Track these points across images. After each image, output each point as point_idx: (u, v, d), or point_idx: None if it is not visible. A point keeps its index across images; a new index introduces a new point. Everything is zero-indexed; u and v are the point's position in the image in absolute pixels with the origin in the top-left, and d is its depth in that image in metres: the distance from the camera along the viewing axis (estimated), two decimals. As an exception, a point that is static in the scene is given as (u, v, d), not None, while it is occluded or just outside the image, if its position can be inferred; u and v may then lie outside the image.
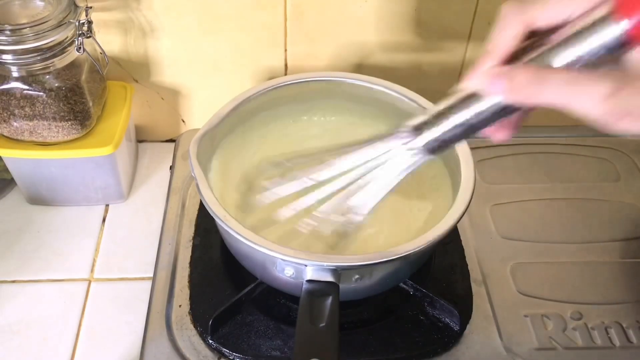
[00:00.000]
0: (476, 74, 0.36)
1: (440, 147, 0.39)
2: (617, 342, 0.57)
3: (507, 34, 0.35)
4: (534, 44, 0.35)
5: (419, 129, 0.39)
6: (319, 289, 0.47)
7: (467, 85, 0.37)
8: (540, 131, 0.77)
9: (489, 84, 0.35)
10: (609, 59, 0.32)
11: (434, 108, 0.39)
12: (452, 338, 0.56)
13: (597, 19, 0.31)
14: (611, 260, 0.64)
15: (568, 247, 0.65)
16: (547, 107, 0.34)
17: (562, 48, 0.33)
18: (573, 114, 0.33)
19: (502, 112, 0.36)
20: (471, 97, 0.36)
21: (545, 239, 0.66)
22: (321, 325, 0.44)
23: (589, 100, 0.32)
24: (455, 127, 0.37)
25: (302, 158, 0.48)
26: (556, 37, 0.33)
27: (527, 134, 0.76)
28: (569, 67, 0.33)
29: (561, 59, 0.33)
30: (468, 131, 0.37)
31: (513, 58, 0.35)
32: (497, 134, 0.38)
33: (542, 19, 0.34)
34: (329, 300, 0.46)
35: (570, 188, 0.71)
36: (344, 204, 0.46)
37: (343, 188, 0.45)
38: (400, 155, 0.41)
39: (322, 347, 0.43)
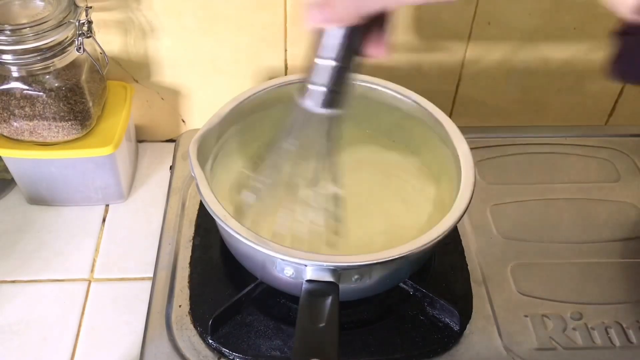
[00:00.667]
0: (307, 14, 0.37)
1: (335, 96, 0.41)
2: (617, 342, 0.57)
3: None
4: None
5: (304, 91, 0.41)
6: (318, 289, 0.47)
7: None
8: (540, 131, 0.77)
9: (310, 17, 0.36)
10: None
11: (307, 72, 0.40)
12: (452, 338, 0.56)
13: None
14: (611, 260, 0.64)
15: (568, 247, 0.65)
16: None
17: None
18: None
19: (352, 36, 0.37)
20: (318, 39, 0.38)
21: (545, 239, 0.66)
22: (321, 325, 0.44)
23: None
24: (327, 71, 0.39)
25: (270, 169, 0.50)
26: None
27: (527, 134, 0.76)
28: None
29: None
30: (340, 69, 0.39)
31: None
32: (373, 51, 0.39)
33: None
34: (329, 300, 0.46)
35: (570, 188, 0.71)
36: (315, 186, 0.47)
37: (312, 182, 0.47)
38: (312, 123, 0.42)
39: (322, 347, 0.43)
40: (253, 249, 0.47)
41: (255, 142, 0.62)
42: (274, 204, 0.51)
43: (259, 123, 0.62)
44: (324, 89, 0.40)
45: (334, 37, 0.37)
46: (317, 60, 0.39)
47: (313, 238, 0.51)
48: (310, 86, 0.40)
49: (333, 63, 0.39)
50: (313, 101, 0.41)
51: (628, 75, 0.41)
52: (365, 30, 0.37)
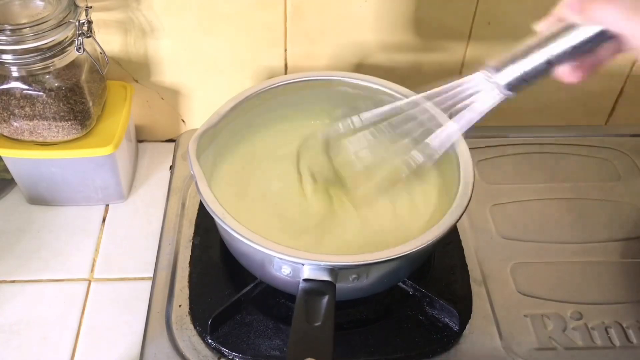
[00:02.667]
0: (559, 6, 0.38)
1: (521, 84, 0.42)
2: (617, 342, 0.57)
3: None
4: None
5: (501, 67, 0.42)
6: (315, 288, 0.47)
7: (547, 18, 0.39)
8: (540, 131, 0.77)
9: (567, 4, 0.37)
10: None
11: (515, 48, 0.42)
12: (451, 338, 0.56)
13: None
14: (611, 260, 0.64)
15: (568, 247, 0.65)
16: (613, 44, 0.36)
17: None
18: (628, 45, 0.35)
19: (579, 47, 0.38)
20: (548, 36, 0.39)
21: (545, 239, 0.66)
22: (316, 324, 0.44)
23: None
24: (536, 64, 0.40)
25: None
26: None
27: (527, 134, 0.76)
28: None
29: None
30: (547, 68, 0.40)
31: None
32: (571, 74, 0.40)
33: None
34: (325, 299, 0.46)
35: (570, 188, 0.71)
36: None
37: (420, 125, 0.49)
38: (483, 92, 0.44)
39: (317, 346, 0.43)
40: (251, 248, 0.47)
41: (255, 141, 0.62)
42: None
43: (259, 122, 0.62)
44: (522, 75, 0.41)
45: (570, 39, 0.38)
46: (539, 51, 0.40)
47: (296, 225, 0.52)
48: (514, 65, 0.41)
49: (546, 59, 0.40)
50: (504, 78, 0.42)
51: None
52: (593, 49, 0.38)
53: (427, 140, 0.50)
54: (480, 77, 0.43)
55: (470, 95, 0.45)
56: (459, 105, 0.46)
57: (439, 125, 0.50)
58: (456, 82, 0.46)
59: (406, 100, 0.52)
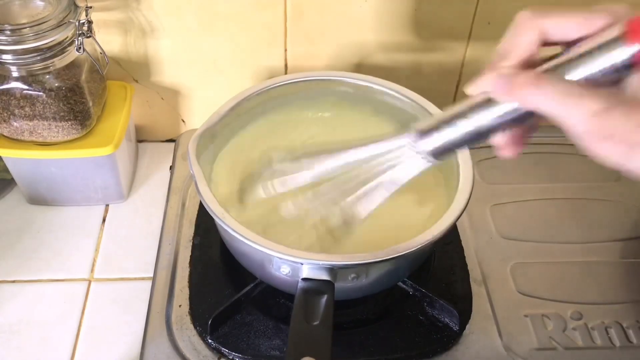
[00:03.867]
0: (486, 75, 0.36)
1: (446, 152, 0.40)
2: (617, 342, 0.57)
3: (521, 39, 0.35)
4: (546, 59, 0.35)
5: (426, 133, 0.39)
6: (314, 287, 0.47)
7: (475, 85, 0.37)
8: (540, 131, 0.76)
9: (494, 83, 0.35)
10: (613, 78, 0.33)
11: (442, 113, 0.39)
12: (451, 338, 0.56)
13: (609, 40, 0.32)
14: (611, 260, 0.64)
15: (568, 247, 0.65)
16: (541, 117, 0.34)
17: (571, 64, 0.33)
18: (561, 126, 0.34)
19: (508, 120, 0.36)
20: (478, 104, 0.37)
21: (545, 239, 0.66)
22: (315, 323, 0.44)
23: (578, 114, 0.32)
24: (462, 133, 0.38)
25: (305, 152, 0.49)
26: (566, 54, 0.34)
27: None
28: (574, 82, 0.33)
29: (570, 74, 0.33)
30: (475, 138, 0.38)
31: (525, 67, 0.35)
32: (504, 150, 0.39)
33: (555, 31, 0.35)
34: (324, 298, 0.46)
35: (570, 188, 0.71)
36: (345, 200, 0.46)
37: (345, 183, 0.46)
38: (406, 157, 0.41)
39: (315, 345, 0.43)
40: (250, 247, 0.47)
41: (254, 140, 0.62)
42: (288, 200, 0.50)
43: (259, 121, 0.62)
44: (446, 143, 0.39)
45: (498, 112, 0.36)
46: (460, 119, 0.38)
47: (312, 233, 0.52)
48: (437, 133, 0.39)
49: (473, 130, 0.37)
50: (427, 145, 0.40)
51: None
52: (518, 123, 0.37)
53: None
54: (406, 142, 0.41)
55: (395, 160, 0.42)
56: (383, 169, 0.43)
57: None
58: (382, 145, 0.43)
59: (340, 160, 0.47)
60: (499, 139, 0.38)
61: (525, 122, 0.37)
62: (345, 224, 0.48)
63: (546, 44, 0.35)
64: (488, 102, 0.36)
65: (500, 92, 0.35)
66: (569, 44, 0.35)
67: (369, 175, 0.44)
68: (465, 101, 0.38)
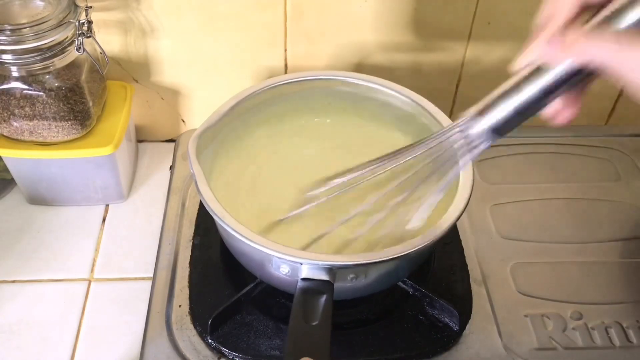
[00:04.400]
0: (534, 43, 0.36)
1: (506, 127, 0.39)
2: (617, 342, 0.57)
3: (562, 3, 0.35)
4: (589, 18, 0.35)
5: (482, 112, 0.40)
6: (313, 287, 0.47)
7: (523, 56, 0.37)
8: (540, 131, 0.77)
9: (545, 47, 0.35)
10: None
11: (495, 91, 0.39)
12: (451, 338, 0.56)
13: None
14: (611, 260, 0.64)
15: (568, 247, 0.65)
16: (593, 75, 0.34)
17: (617, 13, 0.33)
18: (618, 77, 0.32)
19: (562, 84, 0.36)
20: (528, 75, 0.37)
21: (545, 239, 0.66)
22: (314, 323, 0.44)
23: (634, 60, 0.32)
24: (518, 105, 0.38)
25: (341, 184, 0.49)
26: (609, 7, 0.33)
27: (527, 134, 0.76)
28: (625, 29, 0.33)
29: (618, 24, 0.33)
30: (530, 108, 0.38)
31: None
32: (559, 115, 0.38)
33: None
34: (323, 298, 0.46)
35: (570, 188, 0.71)
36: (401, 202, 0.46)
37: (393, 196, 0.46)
38: (466, 141, 0.41)
39: (314, 345, 0.43)
40: (250, 247, 0.47)
41: (254, 140, 0.62)
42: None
43: (259, 121, 0.62)
44: (506, 117, 0.39)
45: (552, 77, 0.36)
46: (513, 92, 0.38)
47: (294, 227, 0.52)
48: (496, 109, 0.39)
49: (527, 100, 0.37)
50: (483, 124, 0.40)
51: None
52: (571, 83, 0.36)
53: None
54: (467, 123, 0.41)
55: (459, 144, 0.42)
56: (447, 156, 0.44)
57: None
58: (443, 132, 0.43)
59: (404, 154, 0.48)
60: (552, 107, 0.38)
61: (578, 84, 0.37)
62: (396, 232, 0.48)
63: (586, 7, 0.35)
64: (538, 72, 0.36)
65: (554, 53, 0.35)
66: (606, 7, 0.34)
67: (431, 169, 0.45)
68: (513, 77, 0.38)
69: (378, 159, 0.47)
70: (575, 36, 0.34)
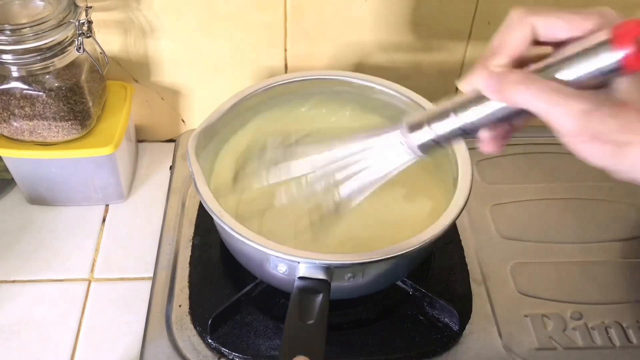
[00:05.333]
0: (478, 72, 0.37)
1: (434, 147, 0.40)
2: (617, 342, 0.57)
3: (513, 36, 0.36)
4: (536, 58, 0.36)
5: (416, 127, 0.40)
6: (310, 286, 0.47)
7: (466, 81, 0.38)
8: (540, 131, 0.76)
9: (484, 81, 0.36)
10: (601, 80, 0.33)
11: (433, 108, 0.40)
12: (451, 338, 0.56)
13: (597, 44, 0.33)
14: (611, 260, 0.64)
15: (568, 247, 0.65)
16: (529, 116, 0.35)
17: (560, 65, 0.34)
18: (549, 126, 0.34)
19: (497, 117, 0.37)
20: (469, 100, 0.38)
21: (545, 239, 0.66)
22: (310, 322, 0.44)
23: (565, 114, 0.33)
24: (451, 128, 0.39)
25: (298, 141, 0.50)
26: (555, 55, 0.35)
27: (527, 134, 0.75)
28: (563, 82, 0.34)
29: (558, 75, 0.34)
30: (463, 133, 0.39)
31: (516, 66, 0.36)
32: (486, 145, 0.40)
33: (546, 29, 0.35)
34: (320, 297, 0.46)
35: (570, 188, 0.71)
36: (335, 189, 0.47)
37: (336, 172, 0.46)
38: (395, 150, 0.42)
39: (309, 344, 0.43)
40: (248, 246, 0.47)
41: (254, 139, 0.62)
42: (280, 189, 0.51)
43: (259, 120, 0.62)
44: (434, 137, 0.40)
45: (487, 110, 0.37)
46: (451, 116, 0.38)
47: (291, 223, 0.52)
48: (427, 127, 0.40)
49: (461, 126, 0.38)
50: (416, 139, 0.40)
51: None
52: (504, 120, 0.37)
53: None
54: (395, 135, 0.42)
55: (385, 152, 0.43)
56: (373, 160, 0.44)
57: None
58: (372, 137, 0.44)
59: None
60: (483, 135, 0.39)
61: (514, 120, 0.37)
62: (335, 211, 0.49)
63: (537, 42, 0.36)
64: (478, 99, 0.37)
65: (491, 90, 0.36)
66: (559, 45, 0.35)
67: (359, 165, 0.45)
68: (456, 97, 0.38)
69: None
70: (513, 79, 0.34)
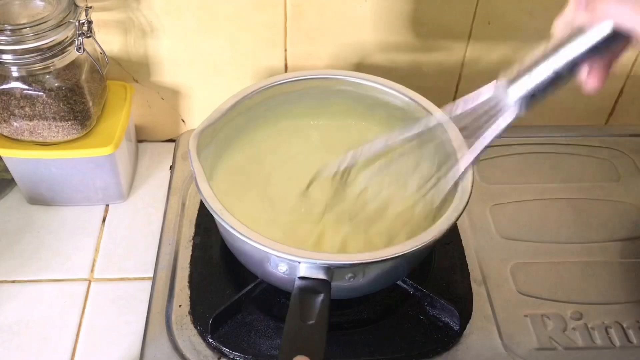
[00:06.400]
0: (569, 5, 0.37)
1: (532, 100, 0.40)
2: (617, 342, 0.57)
3: None
4: None
5: (516, 78, 0.40)
6: (310, 286, 0.47)
7: (558, 19, 0.38)
8: (540, 131, 0.77)
9: (575, 7, 0.36)
10: None
11: (527, 59, 0.40)
12: (452, 338, 0.56)
13: None
14: (611, 260, 0.64)
15: (568, 247, 0.65)
16: (625, 40, 0.35)
17: None
18: None
19: (593, 47, 0.37)
20: (561, 41, 0.38)
21: (545, 239, 0.66)
22: (310, 322, 0.44)
23: None
24: (552, 70, 0.38)
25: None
26: None
27: (527, 133, 0.76)
28: None
29: None
30: (560, 76, 0.38)
31: None
32: (589, 80, 0.39)
33: None
34: (320, 297, 0.46)
35: (570, 188, 0.71)
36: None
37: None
38: (500, 109, 0.41)
39: (309, 343, 0.43)
40: (248, 245, 0.47)
41: (255, 138, 0.62)
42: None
43: (260, 119, 0.62)
44: (530, 88, 0.39)
45: (577, 45, 0.37)
46: (542, 61, 0.38)
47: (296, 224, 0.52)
48: (523, 80, 0.39)
49: (561, 66, 0.38)
50: (517, 91, 0.40)
51: None
52: (606, 50, 0.37)
53: (443, 175, 0.48)
54: (497, 92, 0.41)
55: (487, 113, 0.42)
56: (475, 125, 0.44)
57: (453, 152, 0.49)
58: (472, 98, 0.43)
59: (420, 126, 0.49)
60: (584, 71, 0.39)
61: (610, 48, 0.37)
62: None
63: None
64: (567, 39, 0.37)
65: (580, 11, 0.36)
66: None
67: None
68: (546, 44, 0.39)
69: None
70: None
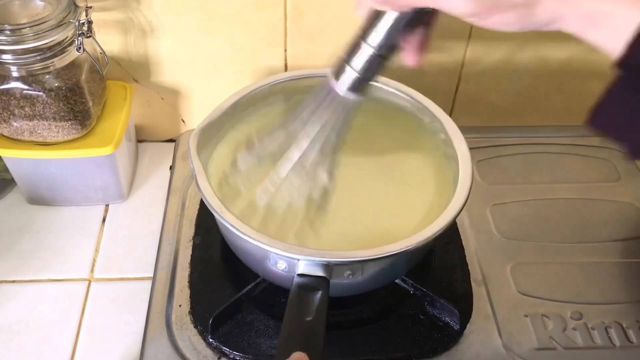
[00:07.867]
0: None
1: (363, 84, 0.43)
2: (617, 342, 0.57)
3: None
4: None
5: (339, 73, 0.43)
6: (309, 283, 0.47)
7: (358, 4, 0.41)
8: (540, 131, 0.77)
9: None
10: None
11: (345, 47, 0.43)
12: (452, 337, 0.56)
13: None
14: (611, 260, 0.64)
15: (568, 247, 0.65)
16: (430, 16, 0.38)
17: None
18: (448, 13, 0.36)
19: (400, 26, 0.40)
20: (370, 24, 0.40)
21: (545, 239, 0.66)
22: (308, 318, 0.45)
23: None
24: (368, 56, 0.41)
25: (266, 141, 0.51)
26: None
27: (527, 134, 0.76)
28: None
29: None
30: (380, 58, 0.41)
31: None
32: (407, 58, 0.42)
33: None
34: (319, 294, 0.46)
35: (570, 188, 0.71)
36: (309, 169, 0.49)
37: (303, 154, 0.48)
38: (336, 104, 0.44)
39: (307, 340, 0.43)
40: (248, 243, 0.47)
41: (255, 138, 0.62)
42: (261, 175, 0.52)
43: (260, 118, 0.62)
44: (356, 74, 0.42)
45: (384, 23, 0.39)
46: (361, 44, 0.41)
47: (287, 221, 0.52)
48: (346, 67, 0.42)
49: (374, 51, 0.40)
50: (343, 83, 0.43)
51: (606, 127, 0.42)
52: (410, 28, 0.39)
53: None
54: (328, 87, 0.44)
55: (328, 105, 0.45)
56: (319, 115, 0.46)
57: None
58: (312, 98, 0.46)
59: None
60: (402, 50, 0.42)
61: (418, 25, 0.40)
62: (315, 195, 0.50)
63: None
64: (377, 19, 0.40)
65: (379, 3, 0.39)
66: None
67: (318, 136, 0.48)
68: (358, 30, 0.41)
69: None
70: None
